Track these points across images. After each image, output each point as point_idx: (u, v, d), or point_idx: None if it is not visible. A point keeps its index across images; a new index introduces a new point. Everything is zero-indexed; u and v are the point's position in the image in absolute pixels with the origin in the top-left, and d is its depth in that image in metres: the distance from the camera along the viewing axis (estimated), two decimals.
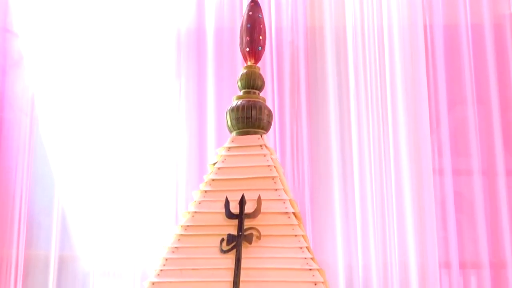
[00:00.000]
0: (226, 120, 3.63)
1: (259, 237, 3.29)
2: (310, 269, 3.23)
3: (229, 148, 3.57)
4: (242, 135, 3.58)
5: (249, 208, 3.35)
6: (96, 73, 5.32)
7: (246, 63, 3.71)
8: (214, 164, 3.55)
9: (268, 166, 3.48)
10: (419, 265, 5.01)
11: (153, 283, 3.24)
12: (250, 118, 3.57)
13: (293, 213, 3.37)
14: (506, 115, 5.24)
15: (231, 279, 3.18)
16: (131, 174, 5.13)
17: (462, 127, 5.23)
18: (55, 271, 5.05)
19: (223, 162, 3.52)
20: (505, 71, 5.29)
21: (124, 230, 5.03)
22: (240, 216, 3.34)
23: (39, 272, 5.10)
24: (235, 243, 3.27)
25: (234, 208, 3.35)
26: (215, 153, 3.67)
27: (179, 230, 3.38)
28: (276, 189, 3.42)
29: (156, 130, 5.20)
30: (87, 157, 5.19)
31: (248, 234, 3.29)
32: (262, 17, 3.78)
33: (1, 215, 5.13)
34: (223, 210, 3.35)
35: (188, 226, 3.37)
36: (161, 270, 3.27)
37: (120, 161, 5.17)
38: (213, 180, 3.48)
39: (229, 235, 3.29)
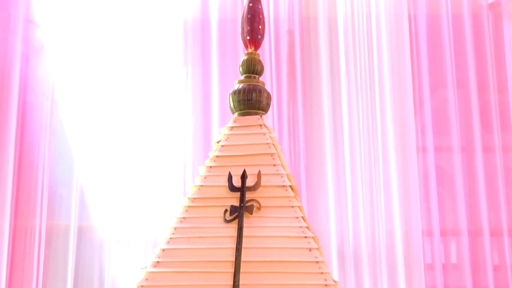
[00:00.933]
0: (229, 102, 3.64)
1: (259, 208, 3.30)
2: (305, 237, 3.25)
3: (232, 127, 3.57)
4: (244, 115, 3.59)
5: (250, 182, 3.36)
6: (111, 60, 5.31)
7: (247, 50, 3.71)
8: (218, 142, 3.56)
9: (267, 143, 3.49)
10: (403, 233, 5.03)
11: (163, 250, 3.25)
12: (250, 100, 3.58)
13: (290, 186, 3.39)
14: (483, 97, 5.24)
15: (234, 246, 3.20)
16: (143, 151, 5.13)
17: (443, 108, 5.23)
18: (75, 240, 5.06)
19: (226, 140, 3.53)
20: (482, 57, 5.29)
21: (136, 202, 5.04)
22: (242, 189, 3.35)
23: (60, 241, 5.10)
24: (237, 213, 3.28)
25: (237, 182, 3.37)
26: (219, 132, 3.67)
27: (186, 202, 3.39)
28: (274, 165, 3.43)
29: (165, 111, 5.20)
30: (102, 136, 5.19)
31: (249, 205, 3.30)
32: (262, 8, 3.78)
33: (25, 189, 5.13)
34: (227, 184, 3.37)
35: (194, 198, 3.39)
36: (171, 238, 3.28)
37: (133, 140, 5.16)
38: (217, 156, 3.49)
39: (232, 206, 3.30)
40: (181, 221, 3.32)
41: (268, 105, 3.66)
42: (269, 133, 3.54)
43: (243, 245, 3.20)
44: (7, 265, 4.99)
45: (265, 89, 3.65)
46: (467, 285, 4.98)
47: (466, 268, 5.01)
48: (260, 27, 3.71)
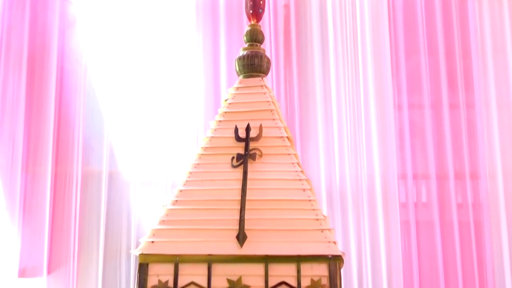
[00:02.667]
0: (235, 66, 3.62)
1: (261, 156, 3.31)
2: (300, 179, 3.26)
3: (237, 88, 3.56)
4: (247, 78, 3.57)
5: (253, 133, 3.36)
6: (134, 30, 5.29)
7: (250, 22, 3.69)
8: (226, 100, 3.55)
9: (267, 101, 3.49)
10: (382, 176, 5.05)
11: (180, 190, 3.26)
12: (253, 65, 3.56)
13: (287, 137, 3.39)
14: (450, 62, 5.21)
15: (240, 187, 3.21)
16: (163, 108, 5.14)
17: (416, 71, 5.21)
18: (106, 183, 5.09)
19: (232, 98, 3.52)
20: (449, 28, 5.25)
21: (158, 151, 5.06)
22: (246, 140, 3.35)
23: (93, 185, 5.13)
24: (243, 160, 3.29)
25: (242, 134, 3.36)
26: (227, 92, 3.66)
27: (199, 151, 3.40)
28: (273, 119, 3.43)
29: (181, 74, 5.20)
30: (128, 95, 5.19)
31: (253, 153, 3.31)
32: None
33: (63, 141, 5.15)
34: (233, 135, 3.36)
35: (206, 147, 3.39)
36: (187, 180, 3.29)
37: (154, 99, 5.17)
38: (225, 112, 3.48)
39: (238, 154, 3.31)
40: (195, 167, 3.33)
41: (268, 69, 3.64)
42: (269, 92, 3.53)
43: (248, 186, 3.21)
44: (50, 206, 5.03)
45: (266, 55, 3.63)
46: (435, 220, 5.01)
47: (434, 206, 5.04)
48: (261, 2, 3.68)
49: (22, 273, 4.90)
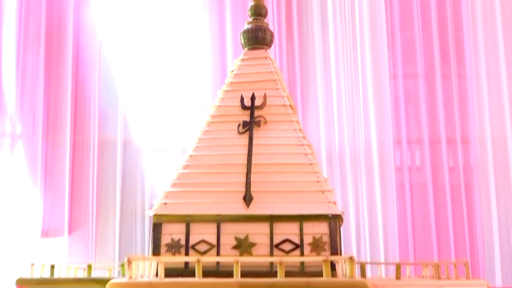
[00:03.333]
0: (240, 39, 3.61)
1: (265, 122, 3.31)
2: (302, 145, 3.26)
3: (243, 59, 3.55)
4: (252, 50, 3.56)
5: (257, 102, 3.36)
6: (145, 6, 5.27)
7: None
8: (232, 71, 3.54)
9: (271, 72, 3.48)
10: (378, 142, 5.07)
11: (191, 156, 3.28)
12: (257, 38, 3.55)
13: (289, 105, 3.39)
14: (443, 35, 5.20)
15: (246, 152, 3.22)
16: (174, 80, 5.15)
17: (410, 44, 5.20)
18: (121, 150, 5.11)
19: (238, 69, 3.51)
20: (442, 2, 5.23)
21: (169, 119, 5.08)
22: (251, 108, 3.35)
23: (109, 151, 5.16)
24: (248, 126, 3.29)
25: (247, 102, 3.36)
26: (233, 63, 3.65)
27: (208, 119, 3.40)
28: (277, 88, 3.42)
29: (190, 48, 5.19)
30: (140, 68, 5.20)
31: (257, 120, 3.31)
32: None
33: (80, 111, 5.18)
34: (239, 104, 3.36)
35: (214, 115, 3.39)
36: (196, 146, 3.30)
37: (165, 71, 5.17)
38: (231, 82, 3.48)
39: (244, 121, 3.31)
40: (204, 133, 3.34)
41: (271, 41, 3.63)
42: (272, 63, 3.53)
43: (253, 151, 3.22)
44: (69, 171, 5.06)
45: (269, 28, 3.61)
46: (428, 183, 5.03)
47: (427, 169, 5.06)
48: None
49: (45, 234, 4.96)
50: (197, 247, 3.06)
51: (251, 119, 3.31)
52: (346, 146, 5.08)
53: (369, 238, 4.93)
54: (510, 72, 5.13)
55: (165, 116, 5.10)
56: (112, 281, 2.63)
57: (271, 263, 2.96)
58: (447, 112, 5.11)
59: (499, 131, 5.09)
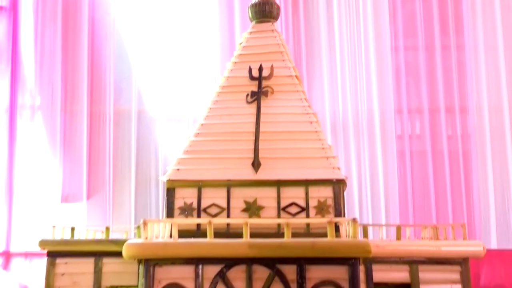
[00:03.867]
0: (248, 13, 3.60)
1: (272, 92, 3.32)
2: (307, 113, 3.28)
3: (250, 32, 3.54)
4: (259, 23, 3.55)
5: (265, 73, 3.36)
6: None
7: None
8: (240, 43, 3.54)
9: (277, 44, 3.48)
10: (380, 111, 5.05)
11: (202, 124, 3.29)
12: (264, 11, 3.54)
13: (295, 75, 3.39)
14: (443, 8, 5.14)
15: (254, 120, 3.24)
16: (184, 52, 5.12)
17: (411, 17, 5.15)
18: (135, 120, 5.12)
19: (246, 42, 3.51)
20: None
21: (180, 90, 5.07)
22: (259, 78, 3.36)
23: (124, 121, 5.16)
24: (256, 96, 3.30)
25: (255, 73, 3.37)
26: (241, 36, 3.64)
27: (218, 89, 3.41)
28: (283, 60, 3.43)
29: (200, 22, 5.16)
30: (152, 41, 5.17)
31: (265, 90, 3.32)
32: None
33: (96, 83, 5.17)
34: (248, 75, 3.37)
35: (224, 86, 3.40)
36: (207, 115, 3.32)
37: (175, 43, 5.15)
38: (240, 54, 3.48)
39: (252, 91, 3.32)
40: (214, 103, 3.35)
41: (278, 14, 3.61)
42: (279, 36, 3.52)
43: (261, 119, 3.24)
44: (87, 140, 5.08)
45: (275, 2, 3.59)
46: (427, 150, 5.03)
47: (426, 137, 5.05)
48: None
49: (65, 199, 5.00)
50: (209, 210, 3.09)
51: (259, 89, 3.32)
52: (349, 115, 5.07)
53: (371, 201, 4.94)
54: (507, 43, 5.08)
55: (176, 88, 5.08)
56: (128, 241, 2.66)
57: (279, 225, 2.99)
58: (446, 82, 5.08)
59: (496, 100, 5.06)
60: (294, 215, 3.05)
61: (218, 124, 3.27)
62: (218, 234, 2.74)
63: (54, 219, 4.67)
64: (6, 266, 4.84)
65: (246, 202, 3.08)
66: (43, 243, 3.16)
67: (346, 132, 5.08)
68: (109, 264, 3.07)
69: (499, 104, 5.06)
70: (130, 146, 5.08)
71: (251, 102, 3.30)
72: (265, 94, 3.31)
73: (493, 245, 4.80)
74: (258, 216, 3.04)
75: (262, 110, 3.26)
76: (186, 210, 3.09)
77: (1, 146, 5.01)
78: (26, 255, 4.82)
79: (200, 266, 2.61)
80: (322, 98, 5.07)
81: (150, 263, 2.61)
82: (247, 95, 3.32)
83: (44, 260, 3.16)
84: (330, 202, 3.06)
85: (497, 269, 4.81)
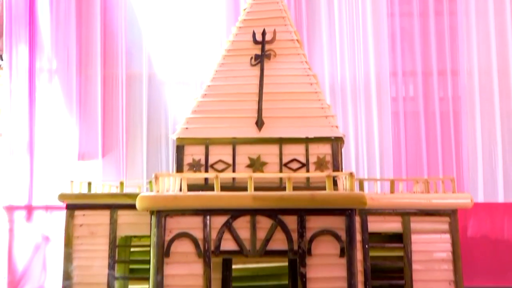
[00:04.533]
0: None
1: (275, 55, 3.30)
2: (308, 75, 3.27)
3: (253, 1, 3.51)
4: None
5: (268, 37, 3.33)
6: None
7: None
8: (245, 9, 3.50)
9: (280, 9, 3.44)
10: (376, 74, 5.03)
11: (208, 86, 3.29)
12: None
13: (297, 40, 3.36)
14: None
15: (258, 82, 3.23)
16: (192, 18, 5.07)
17: None
18: (146, 83, 5.11)
19: (250, 8, 3.47)
20: None
21: (188, 54, 5.04)
22: (262, 42, 3.33)
23: (136, 84, 5.15)
24: (260, 59, 3.29)
25: (258, 37, 3.34)
26: (245, 2, 3.60)
27: (223, 53, 3.39)
28: (285, 25, 3.40)
29: None
30: (161, 7, 5.12)
31: (268, 53, 3.30)
32: None
33: (109, 48, 5.14)
34: (252, 39, 3.34)
35: (229, 49, 3.38)
36: (213, 77, 3.31)
37: (183, 9, 5.09)
38: (244, 20, 3.44)
39: (256, 55, 3.30)
40: (220, 66, 3.33)
41: None
42: (281, 2, 3.47)
43: (264, 81, 3.23)
44: (101, 102, 5.08)
45: None
46: (420, 111, 5.02)
47: (420, 99, 5.04)
48: None
49: (82, 157, 5.02)
50: (215, 166, 3.11)
51: (262, 52, 3.30)
52: (347, 77, 5.04)
53: (366, 158, 4.96)
54: (497, 10, 5.03)
55: (184, 52, 5.06)
56: (141, 194, 2.69)
57: (281, 179, 3.02)
58: (439, 46, 5.04)
59: (485, 64, 5.03)
60: (295, 170, 3.07)
61: (224, 86, 3.26)
62: (224, 188, 2.77)
63: (72, 175, 4.70)
64: (29, 218, 4.90)
65: (250, 159, 3.10)
66: (62, 197, 3.20)
67: (344, 94, 5.05)
68: (123, 216, 3.12)
69: (488, 68, 5.03)
70: (142, 107, 5.08)
71: (255, 65, 3.29)
72: (268, 57, 3.29)
73: (480, 198, 4.83)
74: (262, 171, 3.06)
75: (265, 72, 3.25)
76: (195, 166, 3.11)
77: (22, 108, 5.02)
78: (47, 208, 4.87)
79: (208, 217, 2.64)
80: (321, 62, 5.03)
81: (161, 214, 2.64)
82: (251, 58, 3.30)
83: (63, 213, 3.20)
84: (328, 158, 3.08)
85: (484, 221, 4.85)
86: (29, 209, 4.91)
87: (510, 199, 4.88)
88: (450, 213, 3.07)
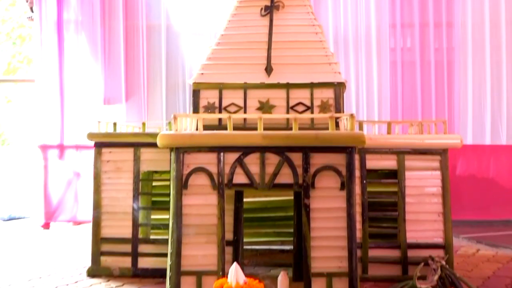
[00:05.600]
0: None
1: (283, 6, 3.24)
2: (313, 25, 3.20)
3: None
4: None
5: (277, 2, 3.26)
6: None
7: None
8: None
9: None
10: (376, 26, 5.00)
11: (222, 35, 3.23)
12: None
13: None
14: None
15: (267, 31, 3.18)
16: None
17: None
18: (164, 34, 5.09)
19: None
20: None
21: (202, 6, 4.99)
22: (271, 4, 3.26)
23: (155, 35, 5.13)
24: (269, 10, 3.23)
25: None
26: None
27: (235, 3, 3.30)
28: None
29: None
30: None
31: (277, 4, 3.23)
32: None
33: (130, 1, 5.09)
34: None
35: (241, 1, 3.30)
36: (226, 27, 3.24)
37: None
38: None
39: (266, 6, 3.24)
40: (233, 16, 3.27)
41: None
42: None
43: (273, 31, 3.18)
44: (124, 51, 5.06)
45: None
46: (417, 61, 5.02)
47: (416, 49, 5.00)
48: None
49: (107, 101, 5.05)
50: (228, 108, 3.11)
51: (272, 3, 3.24)
52: (349, 29, 5.00)
53: (366, 102, 4.98)
54: None
55: (199, 4, 5.00)
56: (161, 133, 2.70)
57: (287, 120, 3.01)
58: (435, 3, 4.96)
59: (478, 17, 4.97)
60: (300, 112, 3.06)
61: (236, 35, 3.21)
62: (236, 127, 2.77)
63: (99, 117, 4.73)
64: (61, 156, 4.97)
65: (260, 102, 3.09)
66: (91, 136, 3.22)
67: (346, 44, 5.02)
68: (146, 153, 3.14)
69: (481, 20, 4.96)
70: (161, 56, 5.08)
71: (265, 15, 3.23)
72: (277, 8, 3.23)
73: (469, 141, 4.84)
74: (270, 113, 3.05)
75: (274, 22, 3.20)
76: (209, 108, 3.10)
77: (52, 57, 5.01)
78: (77, 147, 4.94)
79: (222, 153, 2.66)
80: (326, 14, 4.98)
81: (180, 150, 2.66)
82: (261, 9, 3.24)
83: (91, 151, 3.23)
84: (331, 102, 3.06)
85: (471, 162, 4.88)
86: (61, 148, 4.97)
87: (496, 142, 4.90)
88: (441, 152, 3.06)
